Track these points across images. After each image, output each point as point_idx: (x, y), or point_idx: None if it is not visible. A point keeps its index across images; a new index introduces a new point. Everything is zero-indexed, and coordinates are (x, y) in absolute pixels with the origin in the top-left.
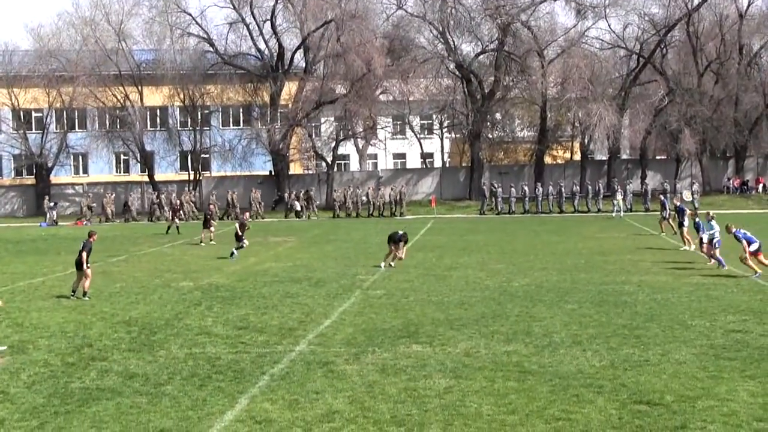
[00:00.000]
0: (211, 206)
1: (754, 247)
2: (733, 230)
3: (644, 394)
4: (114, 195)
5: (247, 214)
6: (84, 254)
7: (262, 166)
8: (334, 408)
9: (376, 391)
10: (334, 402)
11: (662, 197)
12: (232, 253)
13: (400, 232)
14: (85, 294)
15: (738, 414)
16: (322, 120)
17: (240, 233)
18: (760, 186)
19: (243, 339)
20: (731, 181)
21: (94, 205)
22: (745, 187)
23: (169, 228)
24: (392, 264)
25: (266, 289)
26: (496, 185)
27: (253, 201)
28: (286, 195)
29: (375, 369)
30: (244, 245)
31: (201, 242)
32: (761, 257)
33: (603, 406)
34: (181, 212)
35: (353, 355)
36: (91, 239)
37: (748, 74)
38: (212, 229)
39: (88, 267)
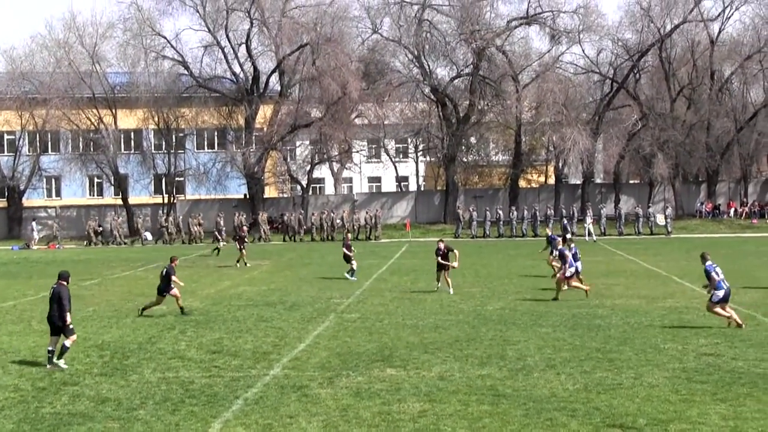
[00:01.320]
0: (244, 227)
1: (570, 271)
2: (568, 251)
3: (617, 417)
4: (114, 216)
5: (349, 235)
6: (173, 278)
7: (237, 189)
8: None
9: (350, 415)
10: (308, 426)
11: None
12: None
13: None
14: (183, 311)
15: None
16: (297, 143)
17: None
18: (732, 210)
19: (216, 363)
20: (703, 206)
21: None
22: (717, 211)
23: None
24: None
25: (240, 312)
26: (471, 209)
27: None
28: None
29: (349, 393)
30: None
31: (242, 263)
32: (574, 282)
33: (577, 430)
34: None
35: (327, 379)
36: (173, 264)
37: (719, 99)
38: (244, 251)
39: (173, 289)
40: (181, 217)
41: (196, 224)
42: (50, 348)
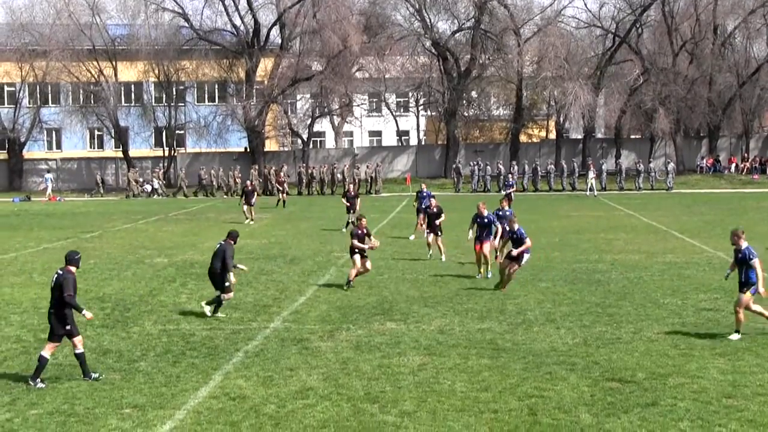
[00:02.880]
0: (248, 182)
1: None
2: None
3: (616, 371)
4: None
5: (352, 186)
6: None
7: (238, 143)
8: (308, 385)
9: (351, 368)
10: (308, 379)
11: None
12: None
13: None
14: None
15: (708, 391)
16: (298, 97)
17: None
18: (732, 166)
19: (217, 316)
20: (704, 161)
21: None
22: (718, 166)
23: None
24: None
25: (241, 266)
26: (479, 163)
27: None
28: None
29: (349, 346)
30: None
31: (250, 221)
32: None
33: (576, 384)
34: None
35: (327, 332)
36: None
37: (722, 54)
38: (253, 204)
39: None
40: (183, 171)
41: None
42: (43, 354)
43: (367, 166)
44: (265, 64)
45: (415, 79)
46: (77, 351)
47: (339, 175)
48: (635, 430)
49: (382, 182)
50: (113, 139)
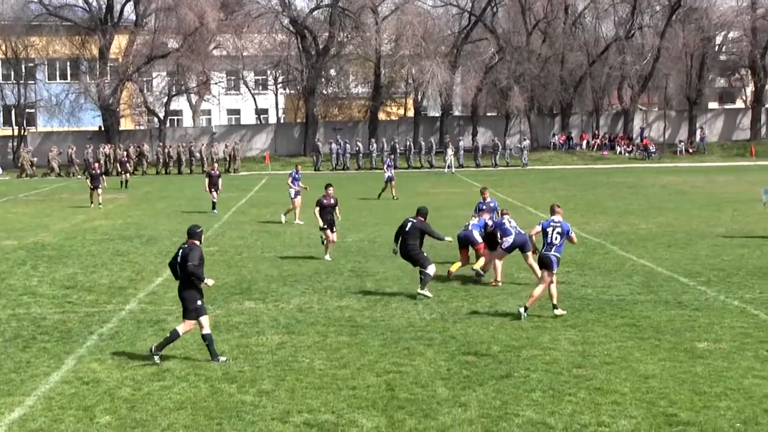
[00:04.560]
0: (97, 164)
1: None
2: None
3: (472, 345)
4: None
5: (216, 165)
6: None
7: (92, 122)
8: (164, 366)
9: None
10: (165, 360)
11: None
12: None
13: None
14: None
15: (559, 362)
16: (154, 75)
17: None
18: (584, 142)
19: (70, 298)
20: (557, 138)
21: None
22: (570, 143)
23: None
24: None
25: (95, 247)
26: (338, 141)
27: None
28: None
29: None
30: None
31: (94, 205)
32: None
33: (433, 358)
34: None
35: None
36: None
37: (573, 34)
38: (100, 189)
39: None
40: (26, 151)
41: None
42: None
43: (226, 145)
44: (119, 41)
45: (273, 57)
46: (204, 332)
47: (197, 154)
48: (490, 401)
49: (241, 161)
50: None
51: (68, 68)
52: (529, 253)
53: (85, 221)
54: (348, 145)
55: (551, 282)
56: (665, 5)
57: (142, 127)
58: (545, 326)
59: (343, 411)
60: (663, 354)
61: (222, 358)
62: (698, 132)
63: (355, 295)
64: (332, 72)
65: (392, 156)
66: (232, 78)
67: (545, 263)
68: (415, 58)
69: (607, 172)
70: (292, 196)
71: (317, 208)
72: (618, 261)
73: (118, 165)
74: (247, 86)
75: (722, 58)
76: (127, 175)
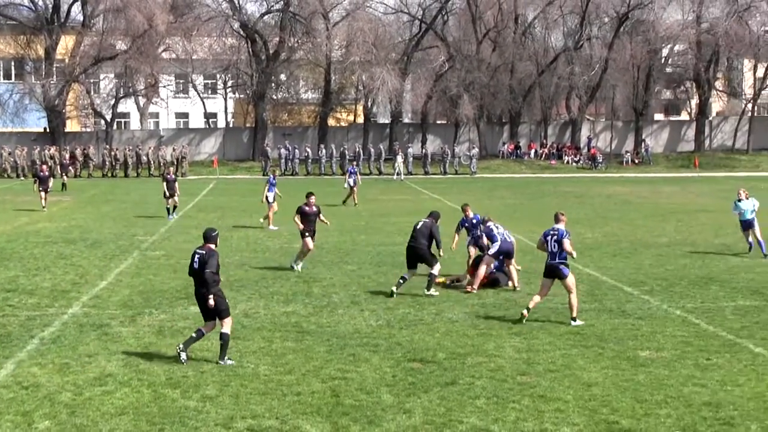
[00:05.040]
0: (44, 166)
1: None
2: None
3: (418, 351)
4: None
5: (172, 169)
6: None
7: (36, 123)
8: (107, 371)
9: (152, 353)
10: (108, 365)
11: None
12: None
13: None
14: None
15: (504, 369)
16: (102, 76)
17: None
18: (532, 151)
19: (11, 302)
20: (506, 146)
21: None
22: (519, 151)
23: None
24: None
25: (38, 250)
26: (287, 146)
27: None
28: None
29: (151, 331)
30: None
31: (43, 208)
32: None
33: (378, 365)
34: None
35: (129, 318)
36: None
37: (522, 43)
38: (48, 191)
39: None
40: None
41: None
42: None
43: (174, 149)
44: (66, 42)
45: (223, 60)
46: (224, 330)
47: (144, 157)
48: (434, 408)
49: (189, 165)
50: None
51: (13, 68)
52: (512, 260)
53: (28, 223)
54: (297, 151)
55: (571, 292)
56: (613, 17)
57: (88, 129)
58: (491, 333)
59: (287, 417)
60: (606, 362)
61: (230, 362)
62: (643, 143)
63: (301, 301)
64: (282, 77)
65: (355, 162)
66: (181, 81)
67: (555, 273)
68: (366, 65)
69: (555, 182)
70: (271, 201)
71: (298, 216)
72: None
73: (59, 167)
74: (196, 90)
75: (668, 70)
76: (65, 177)
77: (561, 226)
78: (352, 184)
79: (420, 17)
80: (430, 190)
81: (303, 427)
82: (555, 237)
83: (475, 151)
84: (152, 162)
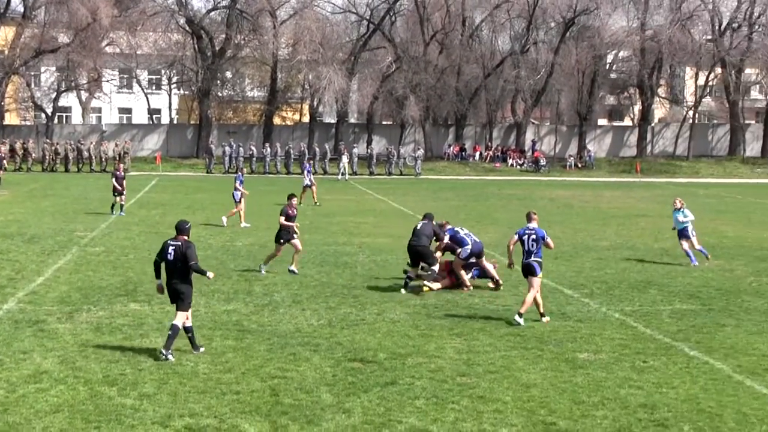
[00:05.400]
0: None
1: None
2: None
3: (359, 351)
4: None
5: (122, 166)
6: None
7: None
8: (42, 368)
9: (89, 350)
10: (43, 362)
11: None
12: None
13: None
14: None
15: (444, 370)
16: (43, 69)
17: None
18: (477, 154)
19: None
20: (451, 148)
21: None
22: (464, 154)
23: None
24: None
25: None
26: (231, 144)
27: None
28: None
29: (89, 328)
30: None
31: None
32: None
33: (318, 364)
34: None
35: (66, 314)
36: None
37: (469, 46)
38: None
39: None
40: None
41: None
42: (187, 324)
43: (116, 144)
44: (6, 33)
45: (168, 56)
46: (187, 324)
47: (86, 153)
48: (374, 408)
49: (131, 161)
50: None
51: None
52: (483, 259)
53: None
54: (241, 149)
55: (537, 290)
56: (560, 22)
57: (28, 123)
58: (432, 334)
59: (225, 416)
60: (545, 364)
61: (201, 349)
62: (586, 149)
63: (242, 300)
64: (228, 74)
65: (311, 161)
66: (125, 76)
67: (529, 270)
68: (312, 64)
69: (499, 184)
70: (237, 199)
71: (283, 218)
72: (505, 271)
73: None
74: (140, 85)
75: (612, 76)
76: (2, 171)
77: (535, 224)
78: (308, 182)
79: (368, 18)
80: (374, 191)
81: (241, 426)
82: (533, 236)
83: (420, 152)
84: (94, 157)
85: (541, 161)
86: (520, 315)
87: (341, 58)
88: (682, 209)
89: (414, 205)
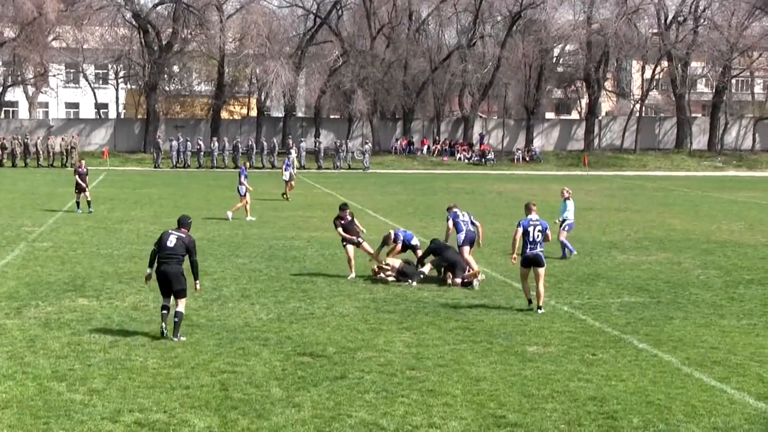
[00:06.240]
0: None
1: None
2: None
3: (308, 346)
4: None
5: (83, 162)
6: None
7: None
8: None
9: (38, 345)
10: None
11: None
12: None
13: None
14: None
15: (393, 363)
16: None
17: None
18: (425, 147)
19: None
20: (399, 142)
21: None
22: (411, 148)
23: None
24: None
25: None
26: (179, 139)
27: None
28: None
29: (38, 323)
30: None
31: None
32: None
33: (268, 359)
34: None
35: (15, 310)
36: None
37: (416, 40)
38: None
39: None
40: None
41: None
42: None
43: (63, 139)
44: None
45: (114, 51)
46: (181, 309)
47: (33, 147)
48: (323, 402)
49: (79, 155)
50: None
51: None
52: (470, 249)
53: None
54: (189, 143)
55: (541, 279)
56: (506, 16)
57: None
58: (381, 328)
59: (175, 410)
60: (494, 357)
61: (182, 338)
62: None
63: (191, 294)
64: (175, 68)
65: (290, 156)
66: (72, 71)
67: (537, 262)
68: (260, 58)
69: (447, 178)
70: (242, 193)
71: (340, 228)
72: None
73: None
74: (87, 80)
75: (559, 70)
76: None
77: (536, 215)
78: (287, 177)
79: (314, 11)
80: (322, 185)
81: (191, 420)
82: (538, 227)
83: (368, 146)
84: (41, 152)
85: (488, 154)
86: (540, 308)
87: (288, 52)
88: (568, 199)
89: (362, 199)
